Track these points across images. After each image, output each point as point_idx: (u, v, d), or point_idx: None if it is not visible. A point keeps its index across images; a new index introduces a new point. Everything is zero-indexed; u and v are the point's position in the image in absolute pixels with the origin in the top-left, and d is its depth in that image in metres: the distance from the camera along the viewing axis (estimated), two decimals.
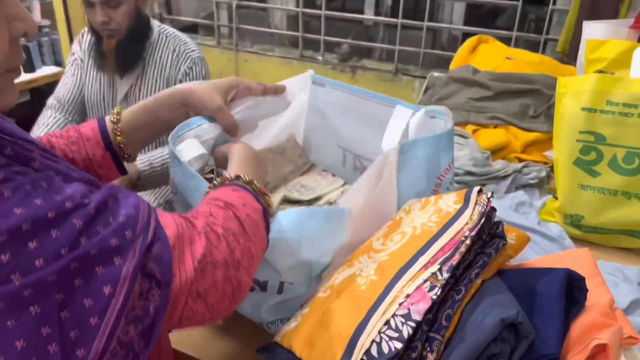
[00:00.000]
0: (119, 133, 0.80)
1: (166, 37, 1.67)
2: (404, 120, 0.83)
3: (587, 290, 0.59)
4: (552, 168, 1.24)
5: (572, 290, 0.59)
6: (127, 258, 0.46)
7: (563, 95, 1.05)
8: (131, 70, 1.64)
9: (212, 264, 0.53)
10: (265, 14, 3.05)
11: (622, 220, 0.99)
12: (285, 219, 0.65)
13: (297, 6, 2.59)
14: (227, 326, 0.81)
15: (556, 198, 1.07)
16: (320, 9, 2.48)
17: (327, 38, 2.52)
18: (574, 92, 1.03)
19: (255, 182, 0.65)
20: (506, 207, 1.05)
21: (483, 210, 0.60)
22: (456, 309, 0.56)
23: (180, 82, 1.66)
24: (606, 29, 1.15)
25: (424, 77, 2.43)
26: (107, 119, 0.81)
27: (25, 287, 0.41)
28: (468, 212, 0.61)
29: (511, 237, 0.65)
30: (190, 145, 0.77)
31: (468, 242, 0.57)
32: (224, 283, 0.54)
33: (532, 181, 1.18)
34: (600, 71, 1.09)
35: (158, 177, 1.53)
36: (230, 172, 0.68)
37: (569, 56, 1.97)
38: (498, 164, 1.19)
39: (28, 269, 0.42)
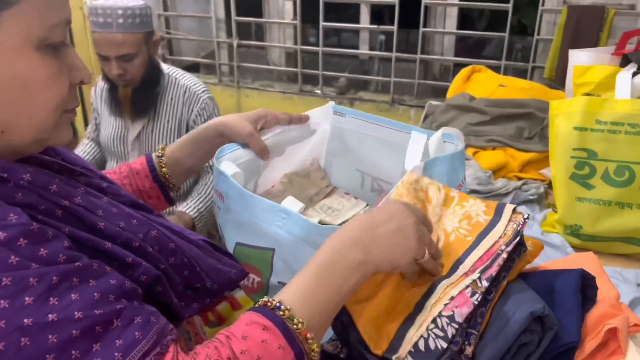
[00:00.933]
0: (163, 165, 0.91)
1: (176, 79, 1.77)
2: (421, 144, 0.93)
3: (597, 288, 0.67)
4: (549, 185, 1.34)
5: (584, 287, 0.67)
6: None
7: (556, 117, 1.15)
8: (145, 113, 1.73)
9: None
10: (263, 51, 3.19)
11: (617, 228, 1.08)
12: (324, 234, 0.72)
13: (295, 44, 2.72)
14: None
15: (555, 211, 1.16)
16: (315, 45, 2.61)
17: (325, 73, 2.64)
18: (565, 113, 1.13)
19: (297, 319, 0.54)
20: None
21: (519, 228, 0.67)
22: (488, 307, 0.64)
23: (194, 122, 1.76)
24: (590, 56, 1.27)
25: (419, 106, 2.56)
26: (154, 154, 0.91)
27: None
28: (500, 226, 0.68)
29: (528, 244, 0.73)
30: (226, 166, 0.86)
31: (505, 255, 0.64)
32: None
33: (531, 197, 1.28)
34: (587, 94, 1.20)
35: (209, 215, 1.68)
36: (286, 289, 0.57)
37: (556, 81, 2.10)
38: (499, 182, 1.28)
39: None
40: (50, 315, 0.45)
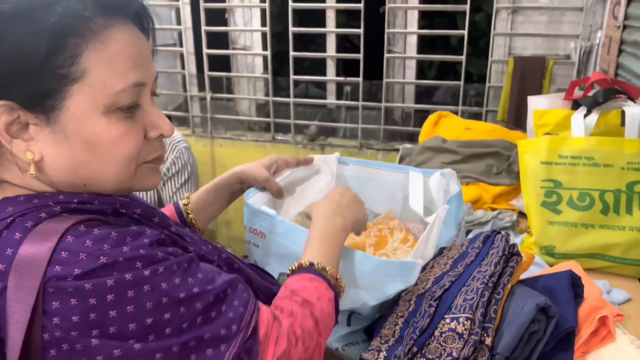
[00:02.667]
0: (190, 212, 1.02)
1: None
2: (420, 181, 1.09)
3: (583, 286, 0.83)
4: (519, 213, 1.53)
5: (573, 286, 0.83)
6: (229, 347, 0.60)
7: (524, 154, 1.34)
8: None
9: None
10: (232, 103, 3.34)
11: (584, 246, 1.26)
12: (368, 264, 0.85)
13: (266, 95, 2.88)
14: None
15: (531, 234, 1.34)
16: (285, 96, 2.79)
17: (296, 122, 2.81)
18: (532, 150, 1.33)
19: (328, 268, 0.75)
20: None
21: (504, 244, 0.88)
22: (499, 305, 0.78)
23: (168, 170, 1.83)
24: (546, 101, 1.49)
25: (385, 150, 2.76)
26: (180, 202, 1.03)
27: (157, 350, 0.56)
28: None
29: (523, 255, 0.89)
30: (266, 207, 0.99)
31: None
32: None
33: (507, 224, 1.45)
34: (547, 133, 1.41)
35: None
36: (306, 254, 0.78)
37: (509, 123, 2.35)
38: (479, 213, 1.46)
39: (161, 333, 0.56)
40: (194, 289, 0.59)
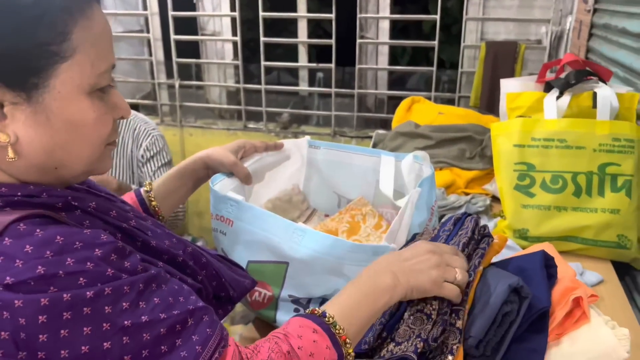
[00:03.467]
0: (152, 199, 0.96)
1: (128, 119, 1.82)
2: (391, 165, 1.06)
3: (557, 266, 0.82)
4: (492, 198, 1.51)
5: (546, 267, 0.81)
6: None
7: (497, 137, 1.33)
8: None
9: None
10: (202, 91, 3.26)
11: (557, 229, 1.25)
12: (340, 248, 0.82)
13: (237, 82, 2.82)
14: None
15: (504, 218, 1.33)
16: (256, 83, 2.73)
17: (268, 109, 2.76)
18: (505, 133, 1.31)
19: (339, 326, 0.64)
20: None
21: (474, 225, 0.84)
22: (471, 287, 0.76)
23: (142, 157, 1.81)
24: (518, 84, 1.48)
25: (359, 137, 2.73)
26: (142, 189, 0.98)
27: None
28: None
29: (496, 237, 0.87)
30: (233, 193, 0.96)
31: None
32: None
33: (480, 209, 1.44)
34: (520, 116, 1.39)
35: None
36: (329, 303, 0.68)
37: (481, 108, 2.34)
38: (452, 197, 1.44)
39: None
40: (143, 317, 0.52)
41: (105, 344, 0.50)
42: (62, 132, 0.57)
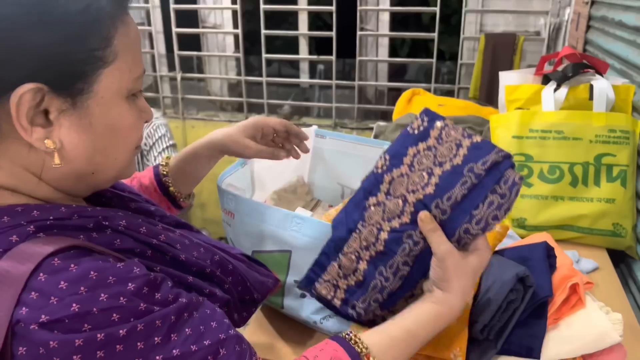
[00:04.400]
0: (170, 184, 0.96)
1: None
2: None
3: (556, 257, 0.85)
4: None
5: (547, 257, 0.85)
6: None
7: (496, 128, 1.36)
8: None
9: None
10: (203, 83, 3.28)
11: (554, 217, 1.29)
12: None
13: (238, 74, 2.84)
14: (284, 334, 0.99)
15: None
16: (257, 75, 2.75)
17: (269, 101, 2.78)
18: (504, 125, 1.35)
19: (366, 350, 0.64)
20: None
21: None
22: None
23: (145, 144, 1.82)
24: (517, 77, 1.50)
25: (359, 128, 2.76)
26: (160, 168, 0.96)
27: None
28: None
29: (498, 227, 0.90)
30: (232, 188, 0.98)
31: None
32: None
33: None
34: (519, 108, 1.42)
35: None
36: (370, 337, 0.66)
37: (480, 99, 2.37)
38: None
39: None
40: (174, 351, 0.53)
41: None
42: (102, 137, 0.58)
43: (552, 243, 0.91)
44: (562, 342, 0.77)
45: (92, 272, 0.51)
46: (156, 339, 0.52)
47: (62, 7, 0.52)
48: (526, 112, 1.32)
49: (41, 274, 0.50)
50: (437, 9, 2.40)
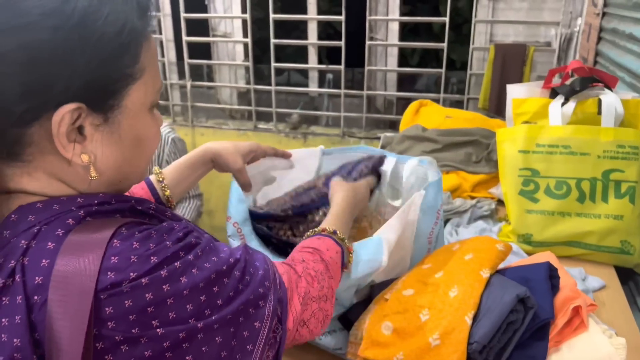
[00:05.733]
0: (166, 189, 0.99)
1: None
2: (390, 165, 1.09)
3: (559, 277, 0.84)
4: (498, 201, 1.53)
5: (549, 278, 0.83)
6: (267, 301, 0.63)
7: (502, 143, 1.35)
8: None
9: (311, 299, 0.71)
10: (212, 91, 3.30)
11: (561, 234, 1.27)
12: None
13: (248, 83, 2.85)
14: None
15: (509, 223, 1.35)
16: (266, 84, 2.76)
17: (278, 110, 2.79)
18: (510, 139, 1.33)
19: (339, 233, 0.84)
20: (474, 233, 1.31)
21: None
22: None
23: (167, 162, 1.84)
24: (524, 90, 1.49)
25: (367, 138, 2.75)
26: (153, 177, 1.00)
27: (215, 322, 0.57)
28: None
29: (501, 246, 0.89)
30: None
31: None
32: (318, 312, 0.72)
33: (485, 213, 1.46)
34: (526, 122, 1.41)
35: None
36: (329, 222, 0.88)
37: (490, 110, 2.36)
38: (458, 202, 1.46)
39: (215, 306, 0.58)
40: (230, 260, 0.61)
41: (214, 288, 0.58)
42: (130, 147, 0.62)
43: (556, 263, 0.90)
44: None
45: (152, 232, 0.57)
46: (214, 257, 0.60)
47: (99, 29, 0.55)
48: (533, 127, 1.31)
49: (115, 241, 0.55)
50: (447, 19, 2.39)
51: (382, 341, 0.82)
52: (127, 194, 0.99)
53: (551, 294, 0.79)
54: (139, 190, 1.00)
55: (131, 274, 0.53)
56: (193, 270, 0.57)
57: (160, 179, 0.99)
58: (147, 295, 0.53)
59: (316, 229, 0.84)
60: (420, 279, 0.88)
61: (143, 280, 0.53)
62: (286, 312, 0.66)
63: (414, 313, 0.81)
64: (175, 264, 0.56)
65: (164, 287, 0.54)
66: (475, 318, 0.77)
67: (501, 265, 0.94)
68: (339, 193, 0.98)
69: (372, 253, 0.86)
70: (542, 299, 0.77)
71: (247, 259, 0.65)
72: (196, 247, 0.60)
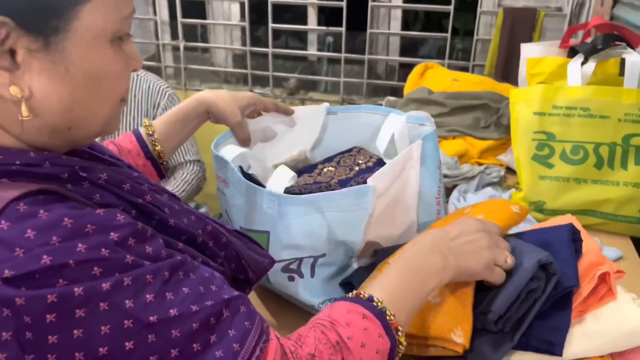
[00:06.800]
0: (156, 143, 0.90)
1: (137, 76, 1.76)
2: (394, 122, 1.00)
3: (582, 240, 0.76)
4: (507, 169, 1.45)
5: (572, 241, 0.76)
6: None
7: (516, 104, 1.26)
8: None
9: None
10: (207, 54, 3.18)
11: (575, 202, 1.20)
12: (317, 203, 0.76)
13: (243, 45, 2.74)
14: (279, 318, 0.91)
15: (519, 190, 1.27)
16: (263, 47, 2.65)
17: (275, 74, 2.68)
18: (525, 100, 1.24)
19: (390, 312, 0.57)
20: (483, 200, 1.23)
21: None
22: None
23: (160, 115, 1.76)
24: (540, 49, 1.40)
25: (369, 105, 2.65)
26: (142, 130, 0.91)
27: None
28: None
29: (516, 208, 0.81)
30: (227, 150, 0.90)
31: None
32: None
33: (494, 180, 1.38)
34: (541, 83, 1.32)
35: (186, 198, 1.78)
36: (373, 284, 0.62)
37: (496, 77, 2.26)
38: (465, 167, 1.38)
39: None
40: (171, 311, 0.45)
41: (127, 343, 0.43)
42: (82, 86, 0.50)
43: (577, 226, 0.82)
44: (588, 337, 0.68)
45: (66, 219, 0.43)
46: (148, 296, 0.44)
47: None
48: (550, 87, 1.22)
49: (3, 221, 0.42)
50: None
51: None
52: (114, 146, 0.91)
53: (575, 259, 0.71)
54: (127, 144, 0.90)
55: (6, 271, 0.40)
56: (101, 305, 0.42)
57: (150, 132, 0.90)
58: (25, 317, 0.40)
59: (361, 293, 0.59)
60: None
61: (19, 297, 0.39)
62: None
63: None
64: (76, 288, 0.41)
65: (47, 317, 0.40)
66: (486, 286, 0.69)
67: (515, 230, 0.86)
68: (414, 240, 0.69)
69: (359, 202, 0.77)
70: (566, 265, 0.70)
71: (215, 318, 0.48)
72: (127, 271, 0.44)
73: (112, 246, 0.44)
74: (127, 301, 0.43)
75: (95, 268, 0.43)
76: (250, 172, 1.04)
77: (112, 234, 0.45)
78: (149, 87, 1.75)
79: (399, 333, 0.58)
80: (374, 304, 0.57)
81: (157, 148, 0.90)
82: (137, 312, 0.43)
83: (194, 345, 0.46)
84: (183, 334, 0.45)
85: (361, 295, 0.59)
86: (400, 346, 0.58)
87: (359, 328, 0.54)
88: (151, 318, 0.44)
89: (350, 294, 0.60)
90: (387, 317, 0.57)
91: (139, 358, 0.44)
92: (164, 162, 0.92)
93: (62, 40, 0.47)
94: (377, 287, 0.60)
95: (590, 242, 0.79)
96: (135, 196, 0.54)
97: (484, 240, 0.67)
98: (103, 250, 0.44)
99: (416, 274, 0.62)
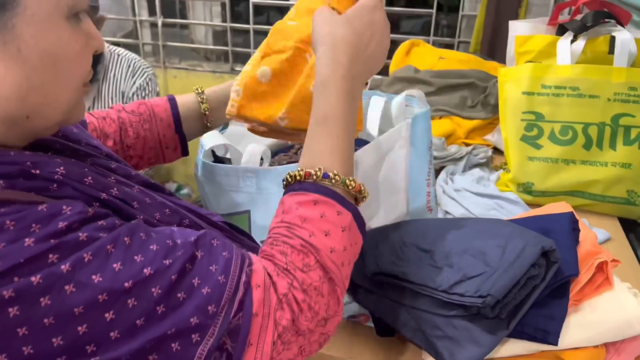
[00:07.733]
0: (204, 101, 0.84)
1: (118, 55, 1.70)
2: (380, 105, 0.97)
3: (580, 230, 0.75)
4: (493, 149, 1.44)
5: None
6: (204, 337, 0.45)
7: (505, 83, 1.24)
8: (89, 94, 1.65)
9: (296, 333, 0.50)
10: (186, 31, 3.08)
11: (564, 183, 1.18)
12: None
13: (224, 21, 2.66)
14: None
15: (507, 171, 1.25)
16: (244, 23, 2.57)
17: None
18: (513, 79, 1.22)
19: (347, 180, 0.55)
20: (470, 181, 1.21)
21: None
22: None
23: (135, 95, 1.69)
24: (528, 27, 1.36)
25: None
26: (193, 95, 0.86)
27: None
28: None
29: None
30: (208, 138, 0.88)
31: None
32: (310, 345, 0.51)
33: (481, 160, 1.36)
34: (529, 61, 1.29)
35: None
36: (316, 160, 0.56)
37: (482, 53, 2.23)
38: (453, 148, 1.36)
39: (103, 340, 0.41)
40: (145, 271, 0.44)
41: (107, 314, 0.42)
42: (38, 68, 0.46)
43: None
44: (584, 327, 0.67)
45: (7, 222, 0.41)
46: (115, 265, 0.43)
47: None
48: (539, 66, 1.20)
49: None
50: None
51: (259, 92, 0.71)
52: (146, 107, 0.82)
53: (575, 248, 0.70)
54: (160, 110, 0.83)
55: None
56: (66, 288, 0.40)
57: (199, 91, 0.84)
58: None
59: (310, 173, 0.55)
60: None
61: None
62: (241, 349, 0.47)
63: (298, 52, 0.70)
64: (33, 277, 0.39)
65: (10, 310, 0.38)
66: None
67: (510, 218, 0.84)
68: (328, 48, 0.61)
69: None
70: (566, 254, 0.68)
71: (189, 262, 0.46)
72: (85, 247, 0.42)
73: (61, 233, 0.42)
74: (93, 276, 0.42)
75: (50, 255, 0.41)
76: (227, 156, 1.01)
77: (60, 223, 0.43)
78: (129, 65, 1.69)
79: (360, 192, 0.56)
80: (329, 181, 0.54)
81: (203, 105, 0.84)
82: (108, 283, 0.42)
83: (179, 295, 0.45)
84: (164, 288, 0.44)
85: (314, 177, 0.55)
86: (362, 200, 0.57)
87: (315, 219, 0.52)
88: (126, 284, 0.43)
89: (297, 174, 0.56)
90: (347, 188, 0.55)
91: (125, 325, 0.42)
92: (208, 124, 0.86)
93: (11, 17, 0.43)
94: (317, 156, 0.56)
95: (586, 231, 0.77)
96: (98, 190, 0.51)
97: (387, 39, 0.66)
98: (52, 240, 0.41)
99: (343, 121, 0.57)
